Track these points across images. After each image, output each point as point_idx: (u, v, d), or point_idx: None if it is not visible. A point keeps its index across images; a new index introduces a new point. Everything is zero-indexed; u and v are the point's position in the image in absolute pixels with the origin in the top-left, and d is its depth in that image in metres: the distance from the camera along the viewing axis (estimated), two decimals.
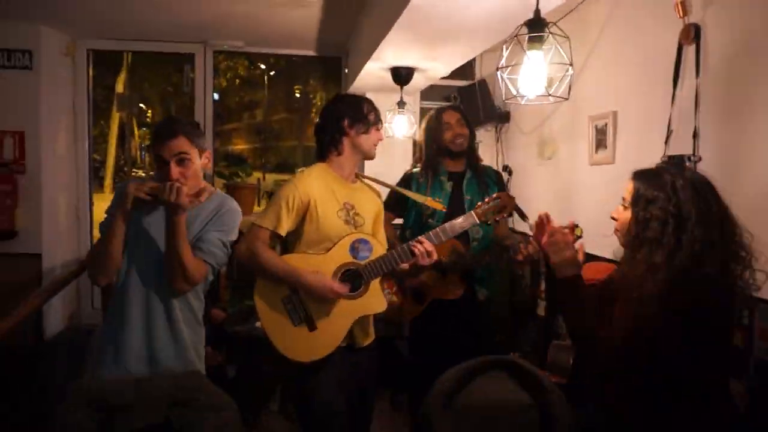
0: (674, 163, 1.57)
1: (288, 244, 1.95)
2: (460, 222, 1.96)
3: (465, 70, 3.98)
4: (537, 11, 1.66)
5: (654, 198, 1.36)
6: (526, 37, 1.59)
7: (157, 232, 1.74)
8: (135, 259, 1.74)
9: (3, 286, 3.50)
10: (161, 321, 1.74)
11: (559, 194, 3.36)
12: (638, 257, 1.37)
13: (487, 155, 4.28)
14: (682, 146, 2.32)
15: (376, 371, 2.06)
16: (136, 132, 14.74)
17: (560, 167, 3.39)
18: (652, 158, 2.23)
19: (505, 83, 1.62)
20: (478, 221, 1.98)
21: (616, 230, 1.51)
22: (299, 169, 1.99)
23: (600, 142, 2.90)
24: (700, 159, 2.21)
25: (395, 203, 2.52)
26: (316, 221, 1.86)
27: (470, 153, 2.61)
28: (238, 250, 1.88)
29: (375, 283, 1.90)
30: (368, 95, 2.28)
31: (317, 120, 2.00)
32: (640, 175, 1.44)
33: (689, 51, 2.28)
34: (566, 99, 1.64)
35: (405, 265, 1.94)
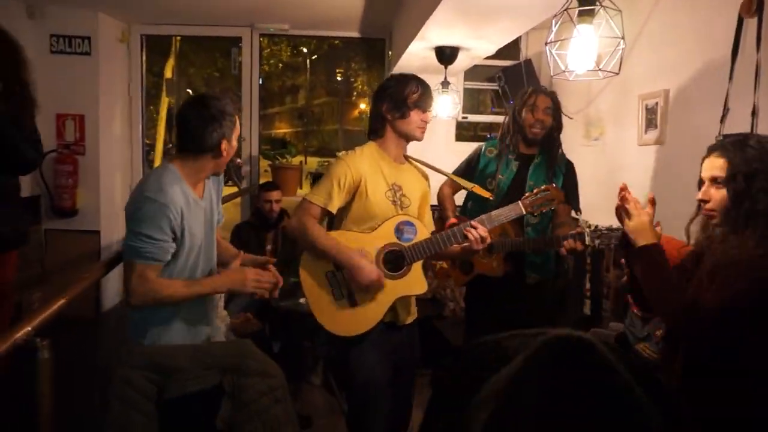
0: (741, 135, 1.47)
1: (334, 219, 2.00)
2: (505, 212, 1.96)
3: (510, 50, 3.91)
4: None
5: (754, 171, 1.28)
6: (576, 11, 1.56)
7: (208, 230, 1.86)
8: (194, 261, 1.81)
9: (65, 261, 3.75)
10: (216, 302, 1.91)
11: (605, 176, 3.27)
12: (747, 233, 1.29)
13: None
14: (738, 125, 2.22)
15: (417, 349, 2.10)
16: None
17: (607, 149, 3.30)
18: (705, 138, 2.15)
19: (554, 58, 1.60)
20: (524, 212, 1.97)
21: (710, 210, 1.39)
22: (347, 151, 2.02)
23: (650, 122, 2.81)
24: None
25: (463, 174, 2.51)
26: (365, 200, 1.90)
27: (547, 140, 2.51)
28: (289, 224, 1.96)
29: (417, 266, 1.93)
30: None
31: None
32: (725, 149, 1.34)
33: (750, 24, 2.17)
34: (617, 74, 1.60)
35: (456, 247, 1.95)
